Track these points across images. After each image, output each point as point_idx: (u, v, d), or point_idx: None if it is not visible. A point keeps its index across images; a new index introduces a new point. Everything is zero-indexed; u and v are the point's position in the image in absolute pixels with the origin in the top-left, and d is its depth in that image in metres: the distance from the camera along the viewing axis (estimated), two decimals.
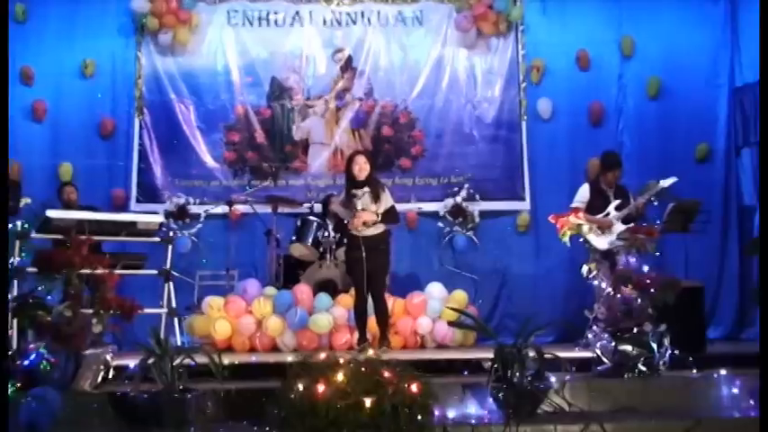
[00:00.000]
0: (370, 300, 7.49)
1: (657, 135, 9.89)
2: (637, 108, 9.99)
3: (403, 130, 9.87)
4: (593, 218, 8.00)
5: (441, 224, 9.74)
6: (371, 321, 7.63)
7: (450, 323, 8.18)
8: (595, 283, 7.47)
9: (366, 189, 7.45)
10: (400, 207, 8.19)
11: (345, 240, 7.79)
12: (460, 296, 8.74)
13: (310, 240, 8.83)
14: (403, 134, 9.87)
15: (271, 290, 8.53)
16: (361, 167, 7.47)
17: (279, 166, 9.78)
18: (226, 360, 5.77)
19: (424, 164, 9.85)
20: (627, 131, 9.97)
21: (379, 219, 7.42)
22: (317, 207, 9.31)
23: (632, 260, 6.82)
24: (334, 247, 8.75)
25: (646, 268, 6.67)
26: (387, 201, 7.54)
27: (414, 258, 9.52)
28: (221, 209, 9.41)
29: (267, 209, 9.21)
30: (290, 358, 5.74)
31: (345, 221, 7.67)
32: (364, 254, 7.29)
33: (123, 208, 9.28)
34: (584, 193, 8.18)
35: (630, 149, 9.84)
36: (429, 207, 9.68)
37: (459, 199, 9.69)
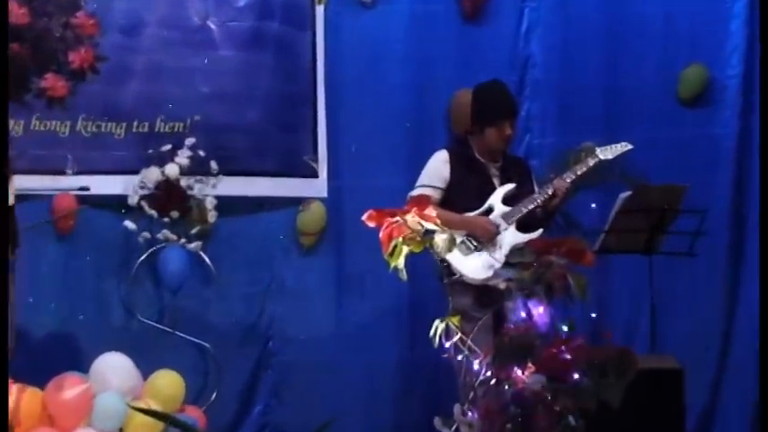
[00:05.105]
0: None
1: (604, 49, 10.44)
2: None
3: (52, 15, 9.74)
4: (456, 217, 8.17)
5: (131, 224, 9.64)
6: None
7: None
8: (459, 357, 7.42)
9: None
10: (39, 183, 8.93)
11: None
12: (170, 383, 8.91)
13: None
14: (51, 23, 9.71)
15: None
16: None
17: None
18: None
19: (98, 90, 9.79)
20: (538, 36, 10.43)
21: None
22: None
23: (536, 311, 6.89)
24: None
25: (565, 328, 6.88)
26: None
27: (65, 299, 9.54)
28: None
29: None
30: None
31: None
32: None
33: None
34: (438, 166, 8.51)
35: (546, 75, 10.38)
36: (105, 186, 9.68)
37: (173, 170, 9.65)
